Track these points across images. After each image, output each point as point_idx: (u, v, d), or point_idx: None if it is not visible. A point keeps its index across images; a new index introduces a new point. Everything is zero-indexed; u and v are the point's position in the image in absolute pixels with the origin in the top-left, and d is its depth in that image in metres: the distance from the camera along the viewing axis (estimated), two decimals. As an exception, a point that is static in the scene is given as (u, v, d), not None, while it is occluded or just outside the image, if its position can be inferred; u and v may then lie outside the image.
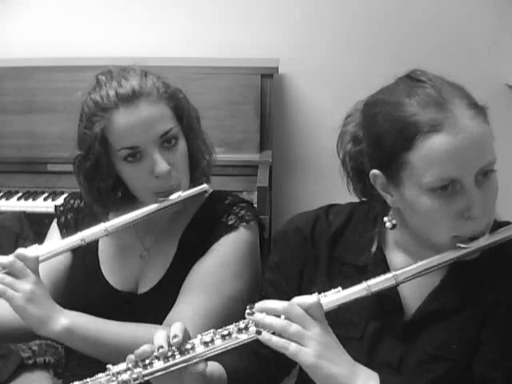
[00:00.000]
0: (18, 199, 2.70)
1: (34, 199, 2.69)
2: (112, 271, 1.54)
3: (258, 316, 1.09)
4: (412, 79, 1.16)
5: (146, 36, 3.11)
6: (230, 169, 2.65)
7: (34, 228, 2.40)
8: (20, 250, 1.33)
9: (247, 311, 1.10)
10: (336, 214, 1.33)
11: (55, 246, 1.39)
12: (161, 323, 1.40)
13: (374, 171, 1.19)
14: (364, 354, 1.20)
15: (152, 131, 1.40)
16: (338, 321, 1.21)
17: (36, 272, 1.32)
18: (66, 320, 1.32)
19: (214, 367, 1.23)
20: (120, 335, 1.35)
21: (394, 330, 1.21)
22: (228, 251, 1.47)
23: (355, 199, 1.35)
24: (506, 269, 1.19)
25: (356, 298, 1.13)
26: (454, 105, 1.10)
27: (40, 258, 1.34)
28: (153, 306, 1.46)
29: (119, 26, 3.13)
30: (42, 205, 2.65)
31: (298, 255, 1.31)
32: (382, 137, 1.15)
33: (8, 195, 2.72)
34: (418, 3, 3.11)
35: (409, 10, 3.11)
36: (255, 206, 2.48)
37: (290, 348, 1.05)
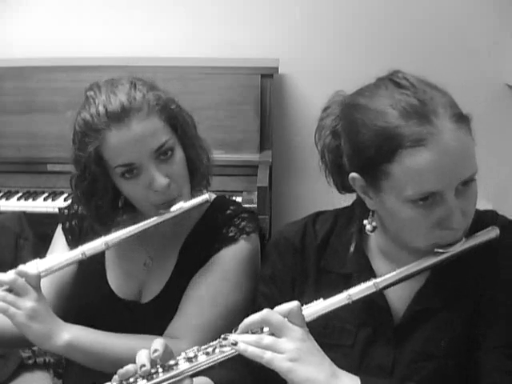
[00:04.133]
0: (18, 199, 2.70)
1: (34, 199, 2.69)
2: (117, 279, 1.54)
3: (232, 337, 1.08)
4: (394, 83, 1.15)
5: (145, 36, 3.10)
6: (229, 169, 2.65)
7: (34, 228, 2.40)
8: (21, 267, 1.33)
9: (222, 337, 1.10)
10: (322, 223, 1.33)
11: (56, 261, 1.38)
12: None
13: (354, 174, 1.19)
14: (357, 361, 1.20)
15: (146, 147, 1.38)
16: (329, 330, 1.23)
17: (37, 289, 1.33)
18: (68, 335, 1.32)
19: (203, 382, 1.22)
20: (122, 349, 1.35)
21: (385, 335, 1.22)
22: (228, 264, 1.46)
23: (350, 199, 1.35)
24: (489, 258, 1.18)
25: (338, 308, 1.12)
26: (437, 117, 1.09)
27: (41, 275, 1.34)
28: (155, 315, 1.46)
29: (119, 26, 3.13)
30: (42, 205, 2.65)
31: (290, 266, 1.31)
32: (363, 145, 1.14)
33: (8, 195, 2.72)
34: (418, 3, 3.11)
35: (409, 10, 3.11)
36: (255, 206, 2.49)
37: (265, 356, 1.05)
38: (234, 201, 1.60)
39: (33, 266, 1.34)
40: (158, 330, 1.40)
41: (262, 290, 1.35)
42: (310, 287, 1.28)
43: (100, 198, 1.45)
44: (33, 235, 2.37)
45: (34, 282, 1.32)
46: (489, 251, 1.18)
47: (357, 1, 3.12)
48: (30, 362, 1.84)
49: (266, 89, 2.79)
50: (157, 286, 1.50)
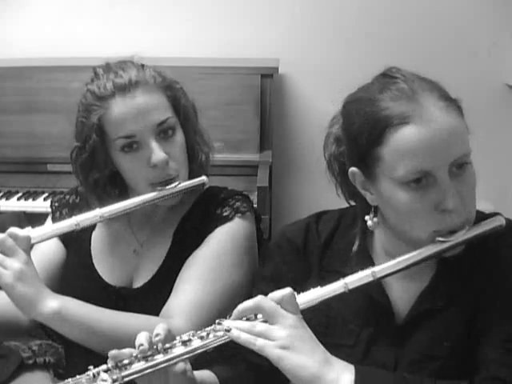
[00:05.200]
0: (18, 199, 2.70)
1: (34, 199, 2.69)
2: (106, 267, 1.54)
3: (226, 323, 1.09)
4: (387, 76, 1.17)
5: (146, 36, 3.10)
6: (229, 169, 2.64)
7: (33, 228, 2.40)
8: (12, 229, 1.32)
9: (217, 322, 1.10)
10: (325, 223, 1.33)
11: (49, 228, 1.38)
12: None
13: (353, 169, 1.20)
14: (359, 360, 1.19)
15: (148, 119, 1.40)
16: (331, 329, 1.23)
17: (27, 252, 1.31)
18: (55, 303, 1.30)
19: (206, 375, 1.22)
20: (112, 323, 1.33)
21: (388, 335, 1.21)
22: (223, 241, 1.46)
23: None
24: (492, 259, 1.18)
25: (334, 296, 1.12)
26: (423, 96, 1.10)
27: (33, 241, 1.33)
28: (148, 300, 1.46)
29: (119, 26, 3.13)
30: (42, 205, 2.64)
31: (292, 267, 1.31)
32: (356, 133, 1.16)
33: (8, 195, 2.72)
34: (418, 3, 3.11)
35: (409, 10, 3.11)
36: (255, 206, 2.48)
37: (257, 343, 1.05)
38: (226, 187, 1.60)
39: (25, 231, 1.33)
40: (152, 314, 1.38)
41: (262, 289, 1.34)
42: (313, 287, 1.28)
43: (98, 172, 1.46)
44: (33, 235, 2.37)
45: (24, 244, 1.31)
46: (491, 252, 1.18)
47: (357, 1, 3.12)
48: (30, 361, 1.83)
49: (266, 89, 2.79)
50: (149, 271, 1.49)
